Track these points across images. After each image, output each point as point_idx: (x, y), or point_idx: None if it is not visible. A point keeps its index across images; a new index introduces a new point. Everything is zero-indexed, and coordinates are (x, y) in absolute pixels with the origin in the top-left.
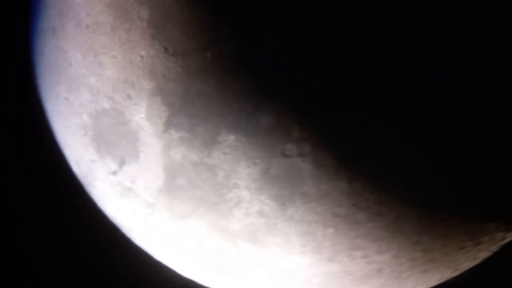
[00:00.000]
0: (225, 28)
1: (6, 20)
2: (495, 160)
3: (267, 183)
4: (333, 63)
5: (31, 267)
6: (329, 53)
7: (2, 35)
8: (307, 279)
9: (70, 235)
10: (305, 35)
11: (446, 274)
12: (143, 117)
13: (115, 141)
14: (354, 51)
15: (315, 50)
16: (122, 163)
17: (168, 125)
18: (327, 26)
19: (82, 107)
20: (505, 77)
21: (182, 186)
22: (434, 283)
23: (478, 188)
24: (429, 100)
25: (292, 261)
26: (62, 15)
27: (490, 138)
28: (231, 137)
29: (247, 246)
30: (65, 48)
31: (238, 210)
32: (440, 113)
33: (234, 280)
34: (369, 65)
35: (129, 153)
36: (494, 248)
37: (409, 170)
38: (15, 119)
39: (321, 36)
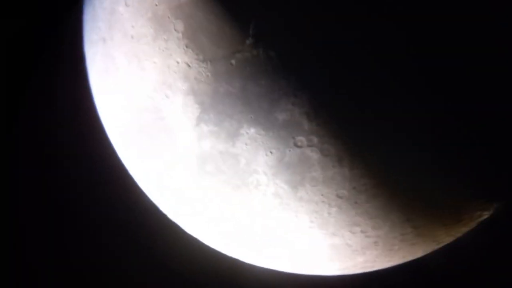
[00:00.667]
0: (247, 39)
1: (61, 33)
2: (475, 148)
3: (281, 169)
4: (334, 67)
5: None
6: (331, 59)
7: (57, 47)
8: (315, 250)
9: (122, 220)
10: (311, 46)
11: (431, 246)
12: (179, 113)
13: (154, 134)
14: (352, 55)
15: (320, 57)
16: (160, 153)
17: (199, 120)
18: (327, 37)
19: (127, 105)
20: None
21: (211, 172)
22: (421, 254)
23: (460, 173)
24: (418, 97)
25: (301, 235)
26: (110, 28)
27: (470, 126)
28: (252, 131)
29: (264, 222)
30: (114, 55)
31: (257, 192)
32: (426, 107)
33: (254, 249)
34: (365, 66)
35: (167, 144)
36: (473, 224)
37: (399, 159)
38: (73, 121)
39: (325, 45)
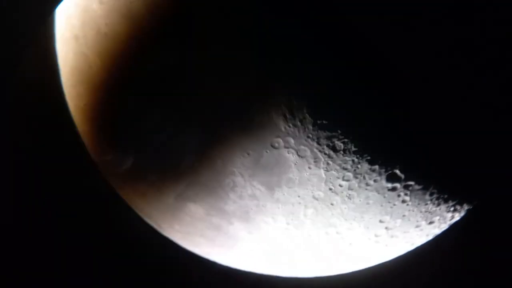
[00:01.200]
0: None
1: (32, 29)
2: (446, 151)
3: (258, 171)
4: (311, 69)
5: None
6: (308, 61)
7: (29, 42)
8: (290, 251)
9: (87, 214)
10: (285, 49)
11: (404, 248)
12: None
13: (130, 133)
14: (325, 57)
15: (297, 60)
16: (135, 151)
17: None
18: (301, 39)
19: (100, 104)
20: None
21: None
22: (394, 255)
23: (433, 177)
24: (393, 101)
25: (277, 237)
26: (84, 25)
27: (441, 130)
28: (227, 131)
29: (240, 224)
30: (86, 53)
31: (234, 193)
32: (401, 110)
33: (229, 252)
34: (338, 68)
35: (140, 143)
36: (444, 226)
37: (375, 160)
38: (45, 116)
39: (300, 47)
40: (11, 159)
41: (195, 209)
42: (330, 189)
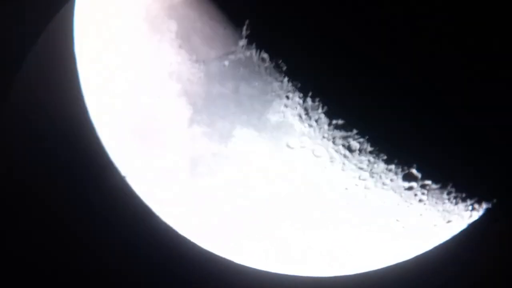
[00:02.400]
0: (240, 40)
1: (53, 29)
2: (465, 150)
3: None
4: (327, 70)
5: (70, 243)
6: (323, 61)
7: (48, 42)
8: (304, 251)
9: (107, 214)
10: (304, 48)
11: (422, 247)
12: (171, 114)
13: (147, 135)
14: (345, 59)
15: (313, 60)
16: (152, 153)
17: (192, 121)
18: (321, 40)
19: (119, 105)
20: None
21: (203, 173)
22: (412, 255)
23: (450, 176)
24: (410, 103)
25: (290, 236)
26: (103, 27)
27: (460, 130)
28: (244, 132)
29: (258, 223)
30: (105, 55)
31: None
32: (416, 113)
33: (246, 248)
34: (355, 70)
35: (159, 145)
36: (463, 225)
37: (390, 159)
38: (62, 115)
39: (318, 47)
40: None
41: (213, 209)
42: (346, 188)
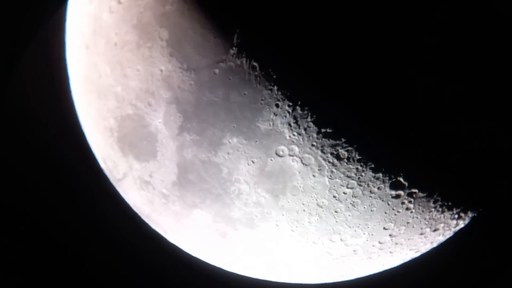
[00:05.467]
0: (231, 49)
1: (43, 37)
2: (453, 160)
3: (263, 178)
4: (317, 78)
5: (61, 249)
6: (313, 69)
7: (39, 50)
8: (295, 258)
9: (96, 220)
10: (294, 57)
11: (409, 255)
12: (161, 121)
13: (136, 142)
14: (333, 67)
15: (303, 68)
16: (142, 160)
17: (182, 129)
18: (310, 49)
19: (109, 112)
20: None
21: (192, 181)
22: (399, 262)
23: (436, 185)
24: (399, 112)
25: (282, 244)
26: (94, 34)
27: (447, 140)
28: (234, 140)
29: (245, 231)
30: (96, 62)
31: (239, 201)
32: (406, 123)
33: (235, 257)
34: (345, 79)
35: (148, 152)
36: (449, 233)
37: (376, 170)
38: (52, 122)
39: (307, 56)
40: (17, 164)
41: (201, 216)
42: (334, 196)
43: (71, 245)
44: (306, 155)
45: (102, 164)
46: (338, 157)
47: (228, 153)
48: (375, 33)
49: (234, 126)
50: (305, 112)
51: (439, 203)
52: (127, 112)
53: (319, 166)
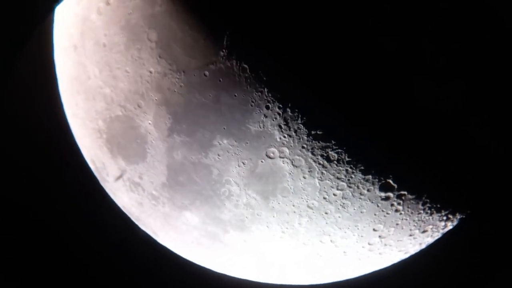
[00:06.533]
0: (221, 51)
1: (33, 38)
2: (441, 163)
3: (253, 180)
4: (307, 80)
5: (51, 250)
6: (304, 71)
7: (27, 51)
8: (285, 260)
9: (85, 222)
10: (284, 59)
11: (398, 256)
12: (151, 123)
13: (125, 143)
14: (323, 68)
15: (293, 70)
16: (131, 162)
17: (172, 130)
18: (300, 50)
19: (98, 113)
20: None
21: (182, 182)
22: (388, 263)
23: (425, 187)
24: (390, 114)
25: (272, 245)
26: (82, 35)
27: (435, 142)
28: (224, 141)
29: (236, 232)
30: (85, 63)
31: (229, 202)
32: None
33: (224, 260)
34: (335, 80)
35: (138, 154)
36: (437, 235)
37: (365, 172)
38: (41, 123)
39: (297, 58)
40: (6, 166)
41: (191, 218)
42: (324, 198)
43: (58, 246)
44: (297, 157)
45: (91, 165)
46: (328, 159)
47: (218, 155)
48: (365, 35)
49: (224, 128)
50: (296, 114)
51: (428, 205)
52: (116, 113)
53: (309, 168)
